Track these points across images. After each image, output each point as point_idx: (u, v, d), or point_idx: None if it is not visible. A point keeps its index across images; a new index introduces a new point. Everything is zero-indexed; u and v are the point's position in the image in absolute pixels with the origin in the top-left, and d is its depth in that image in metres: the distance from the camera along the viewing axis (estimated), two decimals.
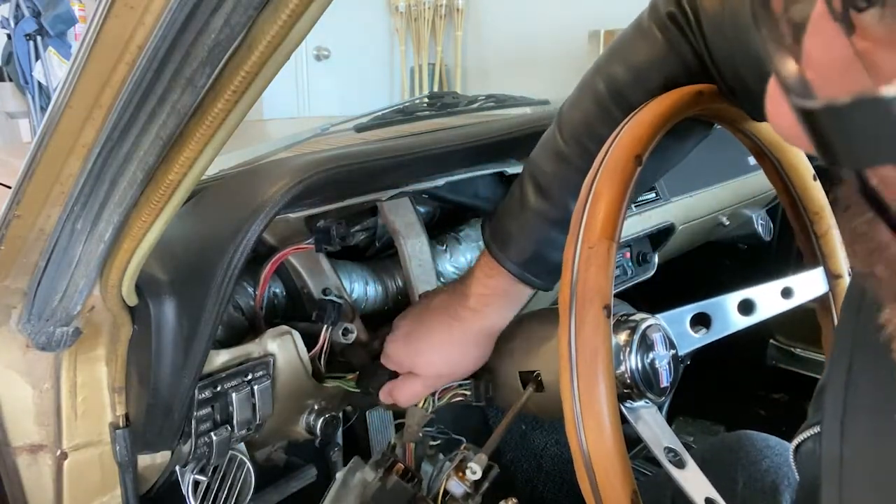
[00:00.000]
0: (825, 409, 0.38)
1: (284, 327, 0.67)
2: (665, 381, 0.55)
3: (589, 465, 0.42)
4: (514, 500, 0.60)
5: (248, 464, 0.70)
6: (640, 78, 0.56)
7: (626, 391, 0.54)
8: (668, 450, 0.48)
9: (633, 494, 0.42)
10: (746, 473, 0.74)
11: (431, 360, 0.65)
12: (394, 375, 0.68)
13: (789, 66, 0.14)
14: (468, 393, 0.68)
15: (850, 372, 0.37)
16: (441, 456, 0.67)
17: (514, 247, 0.62)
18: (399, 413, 0.81)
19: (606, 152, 0.48)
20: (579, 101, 0.61)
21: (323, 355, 0.70)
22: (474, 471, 0.58)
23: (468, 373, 0.66)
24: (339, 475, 0.67)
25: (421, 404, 0.68)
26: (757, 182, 1.30)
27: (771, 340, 1.52)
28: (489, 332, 0.64)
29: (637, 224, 1.06)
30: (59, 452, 0.58)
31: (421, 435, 0.68)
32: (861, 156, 0.12)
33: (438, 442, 0.69)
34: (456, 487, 0.60)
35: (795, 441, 0.49)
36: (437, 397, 0.68)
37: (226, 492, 0.68)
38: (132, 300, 0.52)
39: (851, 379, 0.36)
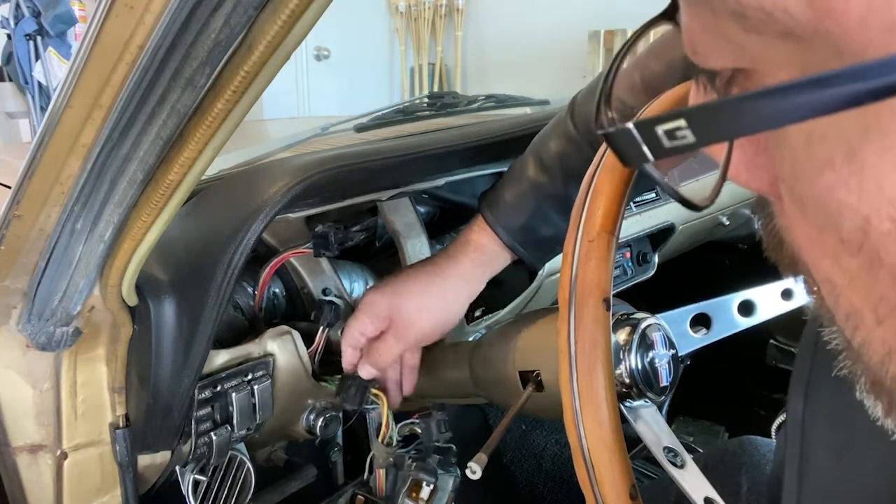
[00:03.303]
0: (792, 377, 0.42)
1: (284, 327, 0.67)
2: (665, 380, 0.55)
3: (588, 458, 0.42)
4: None
5: (248, 464, 0.70)
6: (672, 71, 0.56)
7: (625, 390, 0.53)
8: (668, 449, 0.48)
9: (631, 489, 0.42)
10: (750, 477, 0.74)
11: (403, 304, 0.65)
12: (364, 395, 0.67)
13: (605, 117, 0.24)
14: (419, 431, 0.67)
15: (816, 346, 0.41)
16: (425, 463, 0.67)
17: (507, 214, 0.63)
18: (400, 410, 0.81)
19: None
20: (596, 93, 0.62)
21: (317, 355, 0.70)
22: (474, 471, 0.58)
23: (439, 324, 0.65)
24: None
25: (382, 438, 0.67)
26: None
27: (771, 340, 1.52)
28: (459, 283, 0.64)
29: (637, 224, 1.06)
30: (59, 452, 0.58)
31: (391, 459, 0.68)
32: (625, 160, 0.19)
33: (413, 461, 0.68)
34: None
35: (779, 419, 0.50)
36: (396, 429, 0.68)
37: (226, 492, 0.68)
38: (132, 300, 0.52)
39: (818, 352, 0.41)
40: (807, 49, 0.17)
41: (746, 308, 0.60)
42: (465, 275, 0.64)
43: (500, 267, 0.66)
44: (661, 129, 0.17)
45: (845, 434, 0.37)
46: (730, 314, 0.60)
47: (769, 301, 0.60)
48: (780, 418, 0.51)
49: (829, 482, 0.38)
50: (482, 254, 0.64)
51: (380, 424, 0.68)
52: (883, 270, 0.18)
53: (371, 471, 0.70)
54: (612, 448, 0.42)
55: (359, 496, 0.66)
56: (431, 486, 0.61)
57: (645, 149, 0.18)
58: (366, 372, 0.67)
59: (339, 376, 0.70)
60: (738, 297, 0.60)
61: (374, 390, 0.68)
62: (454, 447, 0.69)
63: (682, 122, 0.17)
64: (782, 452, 0.52)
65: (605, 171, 0.47)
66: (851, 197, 0.17)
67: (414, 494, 0.61)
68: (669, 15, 0.25)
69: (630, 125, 0.18)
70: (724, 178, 0.24)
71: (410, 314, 0.64)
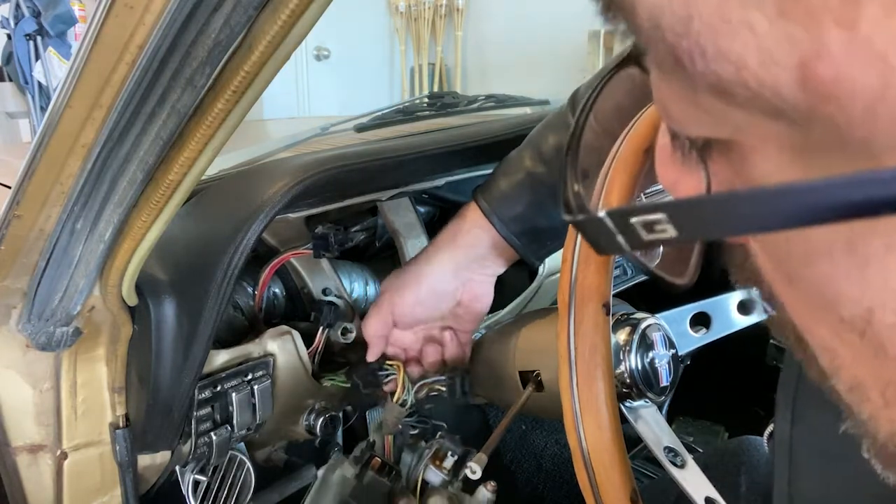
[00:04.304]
0: (778, 395, 0.40)
1: (284, 327, 0.67)
2: (665, 380, 0.55)
3: (588, 462, 0.42)
4: (493, 484, 0.60)
5: (248, 464, 0.70)
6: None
7: (625, 391, 0.53)
8: (668, 449, 0.48)
9: (632, 493, 0.42)
10: (749, 478, 0.74)
11: (388, 280, 0.65)
12: (379, 367, 0.68)
13: (571, 191, 0.20)
14: (443, 388, 0.67)
15: (801, 368, 0.38)
16: (422, 443, 0.67)
17: (503, 204, 0.62)
18: None
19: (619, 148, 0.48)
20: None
21: (317, 356, 0.70)
22: (474, 471, 0.58)
23: (412, 305, 0.64)
24: (319, 472, 0.67)
25: (397, 399, 0.68)
26: None
27: (771, 340, 1.52)
28: (441, 271, 0.63)
29: None
30: (59, 452, 0.58)
31: (400, 427, 0.68)
32: (598, 249, 0.18)
33: (417, 430, 0.68)
34: (434, 476, 0.61)
35: (769, 429, 0.50)
36: (412, 391, 0.68)
37: (226, 492, 0.68)
38: (132, 300, 0.52)
39: (803, 373, 0.38)
40: (802, 129, 0.15)
41: (745, 306, 0.60)
42: (446, 265, 0.63)
43: (492, 255, 0.64)
44: (637, 221, 0.16)
45: (834, 460, 0.36)
46: (729, 313, 0.60)
47: None
48: (773, 426, 0.51)
49: None
50: (473, 245, 0.63)
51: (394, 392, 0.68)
52: (888, 360, 0.16)
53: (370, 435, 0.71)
54: (612, 452, 0.42)
55: (375, 458, 0.66)
56: (455, 457, 0.61)
57: (621, 239, 0.16)
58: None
59: (348, 367, 0.70)
60: (737, 296, 0.60)
61: (389, 361, 0.68)
62: (444, 424, 0.69)
63: (661, 216, 0.15)
64: (773, 462, 0.52)
65: (613, 170, 0.46)
66: (852, 289, 0.16)
67: (438, 462, 0.61)
68: (634, 59, 0.23)
69: (602, 214, 0.16)
70: (701, 257, 0.23)
71: (388, 287, 0.65)
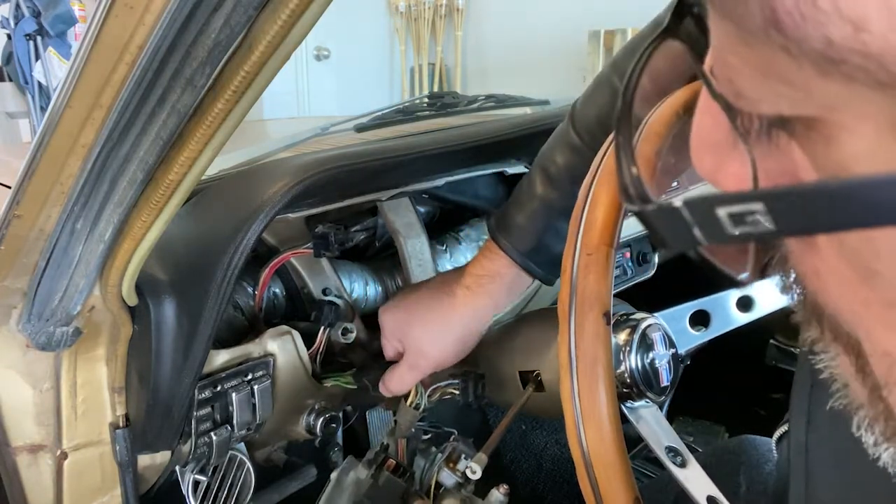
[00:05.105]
0: (792, 400, 0.40)
1: (284, 327, 0.67)
2: (665, 380, 0.55)
3: (592, 474, 0.42)
4: (506, 487, 0.60)
5: (248, 464, 0.70)
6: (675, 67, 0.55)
7: (626, 391, 0.54)
8: (670, 449, 0.48)
9: (635, 502, 0.41)
10: (749, 477, 0.74)
11: (416, 334, 0.64)
12: (385, 367, 0.68)
13: (628, 175, 0.18)
14: (456, 392, 0.67)
15: (813, 372, 0.38)
16: (433, 449, 0.67)
17: (519, 235, 0.62)
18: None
19: (604, 155, 0.47)
20: (594, 97, 0.61)
21: (319, 356, 0.70)
22: (474, 471, 0.58)
23: (452, 355, 0.64)
24: (333, 475, 0.67)
25: (411, 402, 0.68)
26: None
27: (771, 340, 1.52)
28: (477, 315, 0.63)
29: (637, 224, 1.05)
30: (59, 452, 0.58)
31: (413, 430, 0.68)
32: (667, 244, 0.16)
33: (429, 436, 0.69)
34: (448, 478, 0.61)
35: (778, 432, 0.50)
36: (426, 395, 0.68)
37: (226, 492, 0.68)
38: (132, 300, 0.52)
39: (817, 373, 0.37)
40: None
41: (745, 303, 0.60)
42: (481, 308, 0.63)
43: (521, 289, 0.64)
44: (724, 211, 0.14)
45: (851, 465, 0.35)
46: (728, 310, 0.60)
47: (768, 295, 0.60)
48: (782, 429, 0.50)
49: None
50: (500, 283, 0.62)
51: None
52: None
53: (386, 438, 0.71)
54: (615, 464, 0.41)
55: (389, 460, 0.66)
56: (469, 460, 0.62)
57: (697, 232, 0.15)
58: (382, 390, 0.67)
59: (354, 370, 0.70)
60: (736, 293, 0.60)
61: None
62: (455, 431, 0.69)
63: (758, 206, 0.13)
64: (784, 467, 0.51)
65: (601, 182, 0.46)
66: None
67: (452, 464, 0.61)
68: (672, 30, 0.21)
69: (679, 203, 0.14)
70: (757, 258, 0.20)
71: (422, 344, 0.64)
